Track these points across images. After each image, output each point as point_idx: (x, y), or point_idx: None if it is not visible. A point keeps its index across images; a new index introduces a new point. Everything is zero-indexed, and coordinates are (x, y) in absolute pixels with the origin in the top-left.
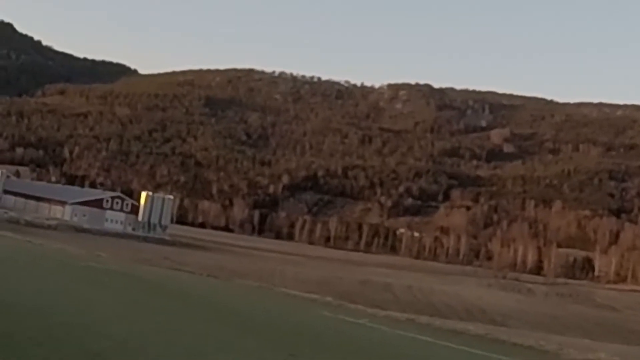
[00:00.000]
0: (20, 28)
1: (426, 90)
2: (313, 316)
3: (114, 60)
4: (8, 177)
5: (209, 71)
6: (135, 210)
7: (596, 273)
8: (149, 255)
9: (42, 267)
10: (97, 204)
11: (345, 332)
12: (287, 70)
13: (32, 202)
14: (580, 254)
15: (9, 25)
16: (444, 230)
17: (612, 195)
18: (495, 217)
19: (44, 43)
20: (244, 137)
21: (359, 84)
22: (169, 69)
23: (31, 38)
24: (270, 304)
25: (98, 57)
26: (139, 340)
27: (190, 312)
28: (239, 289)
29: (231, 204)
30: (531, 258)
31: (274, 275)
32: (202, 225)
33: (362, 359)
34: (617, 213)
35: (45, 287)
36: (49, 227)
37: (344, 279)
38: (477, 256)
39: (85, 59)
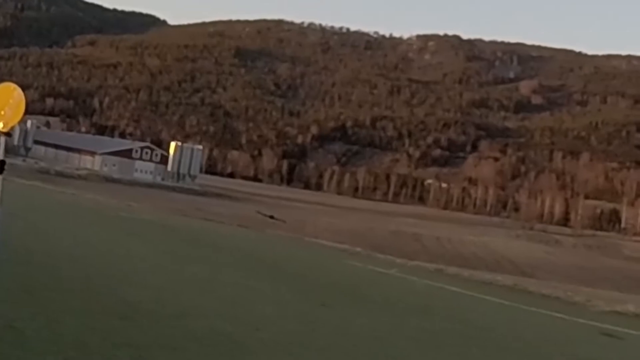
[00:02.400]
0: None
1: (455, 42)
2: (343, 266)
3: (144, 11)
4: (38, 127)
5: (238, 22)
6: (164, 160)
7: (623, 225)
8: (179, 205)
9: (77, 217)
10: (127, 154)
11: (375, 282)
12: (316, 21)
13: (63, 153)
14: (608, 206)
15: None
16: (472, 181)
17: (639, 148)
18: (522, 169)
19: None
20: (273, 88)
21: (387, 35)
22: (198, 20)
23: None
24: (301, 254)
25: (128, 8)
26: (174, 290)
27: (223, 262)
28: (270, 239)
29: (260, 154)
30: (558, 210)
31: (305, 225)
32: (231, 175)
33: (391, 309)
34: None
35: (81, 237)
36: (79, 177)
37: (373, 229)
38: (504, 207)
39: (115, 10)
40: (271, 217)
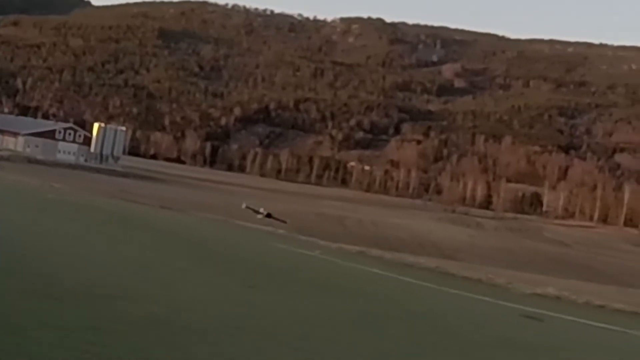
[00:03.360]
0: None
1: (378, 25)
2: (268, 248)
3: None
4: None
5: (162, 3)
6: (87, 141)
7: (544, 208)
8: (103, 187)
9: (2, 198)
10: (50, 135)
11: (299, 263)
12: (240, 3)
13: None
14: (529, 189)
15: None
16: (395, 164)
17: (561, 132)
18: (445, 152)
19: None
20: (196, 69)
21: (311, 18)
22: (122, 1)
23: None
24: (226, 235)
25: None
26: (105, 272)
27: (152, 244)
28: (195, 220)
29: (183, 135)
30: (480, 192)
31: (227, 206)
32: (154, 157)
33: (315, 290)
34: (566, 149)
35: (7, 218)
36: (1, 158)
37: (297, 211)
38: (427, 190)
39: None
40: (268, 215)
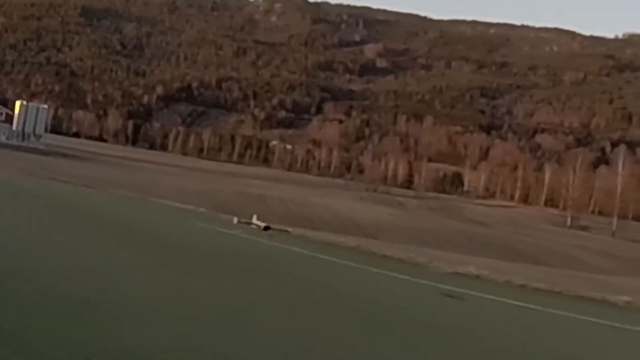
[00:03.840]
0: None
1: (301, 4)
2: (188, 227)
3: None
4: None
5: None
6: (9, 119)
7: (465, 188)
8: (25, 165)
9: None
10: None
11: (220, 242)
12: None
13: None
14: (451, 169)
15: None
16: (316, 143)
17: (482, 112)
18: (367, 131)
19: None
20: (118, 48)
21: None
22: None
23: None
24: (146, 214)
25: None
26: (28, 254)
27: (73, 224)
28: (115, 199)
29: (105, 114)
30: (402, 172)
31: (149, 185)
32: (77, 135)
33: (235, 271)
34: (487, 129)
35: None
36: None
37: (219, 190)
38: (348, 169)
39: None
40: (266, 228)
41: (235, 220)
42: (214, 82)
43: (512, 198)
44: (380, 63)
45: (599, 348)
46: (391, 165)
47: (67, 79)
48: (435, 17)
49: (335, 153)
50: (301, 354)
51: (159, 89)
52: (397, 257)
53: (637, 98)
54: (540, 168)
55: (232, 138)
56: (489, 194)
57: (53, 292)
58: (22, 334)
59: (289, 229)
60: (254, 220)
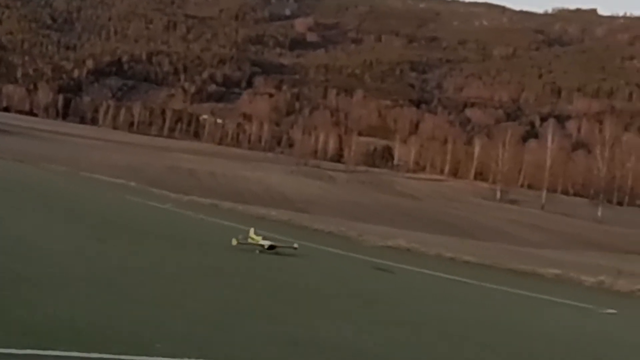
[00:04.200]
0: None
1: None
2: (119, 201)
3: None
4: None
5: None
6: None
7: (396, 162)
8: None
9: None
10: None
11: (150, 216)
12: None
13: None
14: (381, 142)
15: None
16: (247, 117)
17: (412, 86)
18: (297, 105)
19: None
20: (49, 21)
21: None
22: None
23: None
24: (77, 188)
25: None
26: None
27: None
28: (47, 173)
29: (36, 88)
30: (332, 146)
31: (80, 159)
32: (7, 110)
33: (165, 243)
34: (417, 103)
35: None
36: None
37: (149, 164)
38: (279, 143)
39: None
40: (271, 247)
41: (235, 242)
42: (144, 56)
43: (441, 172)
44: (311, 37)
45: (528, 319)
46: (321, 139)
47: None
48: None
49: (265, 127)
50: (237, 325)
51: (90, 63)
52: (328, 231)
53: (566, 72)
54: (469, 142)
55: (163, 112)
56: (419, 167)
57: None
58: None
59: (295, 245)
60: (252, 234)
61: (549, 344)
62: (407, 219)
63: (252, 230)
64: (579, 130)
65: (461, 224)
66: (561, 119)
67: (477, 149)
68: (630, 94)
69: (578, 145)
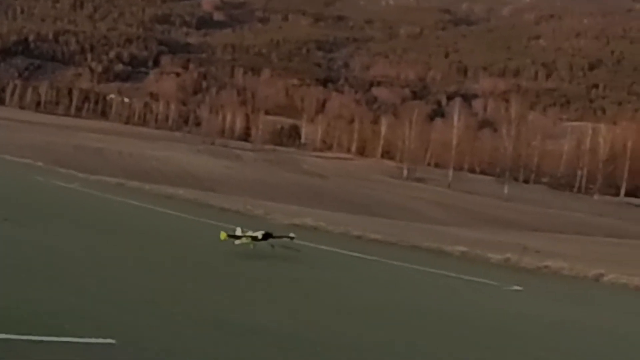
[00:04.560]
0: None
1: None
2: (25, 181)
3: None
4: None
5: None
6: None
7: (303, 141)
8: None
9: None
10: None
11: (57, 196)
12: None
13: None
14: (288, 121)
15: None
16: (154, 96)
17: (319, 65)
18: (204, 84)
19: None
20: None
21: None
22: None
23: None
24: None
25: None
26: None
27: None
28: None
29: None
30: (239, 125)
31: None
32: None
33: (72, 224)
34: (324, 82)
35: None
36: None
37: (56, 143)
38: (186, 122)
39: None
40: (266, 236)
41: (223, 235)
42: (51, 35)
43: (348, 150)
44: (218, 16)
45: (435, 297)
46: (228, 118)
47: None
48: None
49: (172, 106)
50: (148, 308)
51: None
52: (235, 210)
53: (473, 52)
54: (376, 121)
55: (70, 91)
56: (326, 146)
57: None
58: None
59: (292, 235)
60: (238, 232)
61: (455, 320)
62: (314, 198)
63: (238, 230)
64: (485, 109)
65: (368, 202)
66: (467, 98)
67: (383, 128)
68: (536, 73)
69: (484, 124)
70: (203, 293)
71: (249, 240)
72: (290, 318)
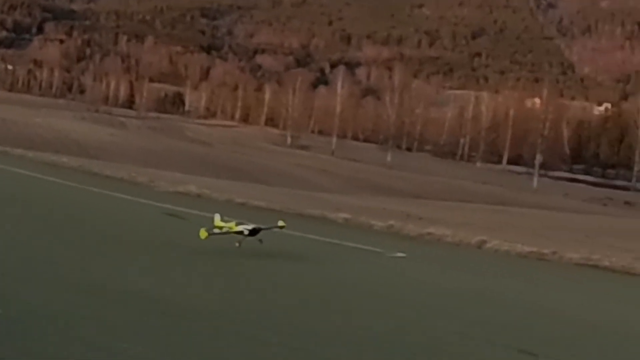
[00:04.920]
0: None
1: None
2: None
3: None
4: None
5: None
6: None
7: (187, 108)
8: None
9: None
10: None
11: None
12: None
13: None
14: (172, 89)
15: None
16: (38, 63)
17: (203, 32)
18: (88, 51)
19: None
20: None
21: None
22: None
23: None
24: None
25: None
26: None
27: None
28: None
29: None
30: (123, 92)
31: None
32: None
33: None
34: (208, 50)
35: None
36: None
37: None
38: (70, 89)
39: None
40: (254, 231)
41: (204, 234)
42: None
43: (232, 118)
44: None
45: (319, 263)
46: (112, 86)
47: None
48: None
49: (56, 73)
50: (38, 276)
51: None
52: (119, 177)
53: (356, 20)
54: (260, 88)
55: None
56: (210, 113)
57: None
58: None
59: (281, 223)
60: (217, 221)
61: (338, 286)
62: (198, 165)
63: (217, 217)
64: (368, 77)
65: (252, 170)
66: (351, 66)
67: (267, 95)
68: (419, 42)
69: (368, 92)
70: (82, 259)
71: (232, 233)
72: (168, 284)
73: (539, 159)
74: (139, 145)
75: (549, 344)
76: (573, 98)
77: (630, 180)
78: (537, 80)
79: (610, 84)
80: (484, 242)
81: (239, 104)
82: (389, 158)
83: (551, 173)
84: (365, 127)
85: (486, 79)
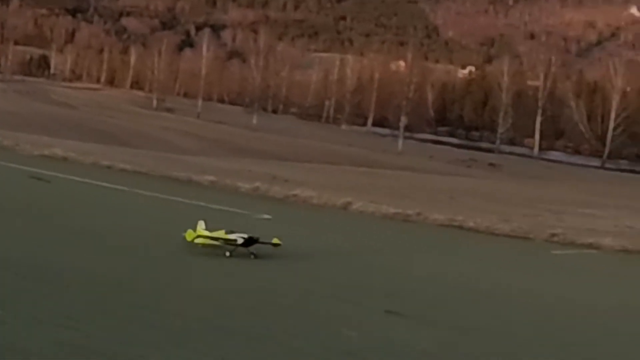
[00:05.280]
0: None
1: None
2: None
3: None
4: None
5: None
6: None
7: (52, 71)
8: None
9: None
10: None
11: None
12: None
13: None
14: (37, 52)
15: None
16: None
17: None
18: None
19: None
20: None
21: None
22: None
23: None
24: None
25: None
26: None
27: None
28: None
29: None
30: None
31: None
32: None
33: None
34: (73, 12)
35: None
36: None
37: None
38: None
39: None
40: (249, 241)
41: (189, 236)
42: None
43: (98, 81)
44: None
45: (183, 226)
46: None
47: None
48: None
49: None
50: None
51: None
52: None
53: None
54: (126, 51)
55: None
56: (75, 76)
57: None
58: None
59: (277, 241)
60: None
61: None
62: (63, 128)
63: (201, 224)
64: (234, 39)
65: (117, 133)
66: (216, 29)
67: (133, 58)
68: (285, 4)
69: (233, 55)
70: None
71: (222, 242)
72: (32, 248)
73: (403, 121)
74: (4, 108)
75: (414, 304)
76: (437, 61)
77: (494, 143)
78: (401, 44)
79: (475, 48)
80: (350, 203)
81: (105, 67)
82: (254, 120)
83: (416, 135)
84: (231, 89)
85: (351, 42)
